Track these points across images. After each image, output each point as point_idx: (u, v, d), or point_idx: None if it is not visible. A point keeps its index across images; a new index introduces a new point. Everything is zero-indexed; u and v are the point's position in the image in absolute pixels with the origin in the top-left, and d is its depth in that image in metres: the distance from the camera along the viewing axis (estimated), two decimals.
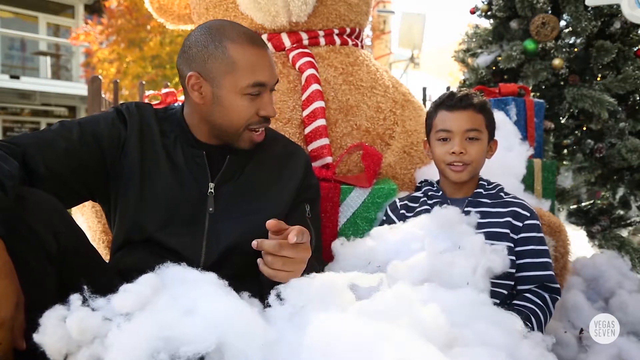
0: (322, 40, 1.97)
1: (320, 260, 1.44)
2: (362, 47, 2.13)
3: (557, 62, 2.89)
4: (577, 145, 3.05)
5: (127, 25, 9.95)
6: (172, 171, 1.31)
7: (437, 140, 1.59)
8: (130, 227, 1.29)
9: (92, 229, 1.73)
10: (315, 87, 1.80)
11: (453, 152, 1.54)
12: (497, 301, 1.36)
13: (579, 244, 2.75)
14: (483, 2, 3.30)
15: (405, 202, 1.66)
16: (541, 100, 2.57)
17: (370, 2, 2.12)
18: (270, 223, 1.10)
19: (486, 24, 3.37)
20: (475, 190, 1.60)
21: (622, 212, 3.04)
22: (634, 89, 2.86)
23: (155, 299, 0.96)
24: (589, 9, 2.90)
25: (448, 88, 4.29)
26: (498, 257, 1.33)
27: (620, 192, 3.09)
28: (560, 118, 3.04)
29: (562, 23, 3.03)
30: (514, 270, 1.48)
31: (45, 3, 12.95)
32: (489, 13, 3.25)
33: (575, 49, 3.01)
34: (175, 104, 1.43)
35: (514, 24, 3.07)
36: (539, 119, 2.48)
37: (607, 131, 2.94)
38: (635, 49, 2.96)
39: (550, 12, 2.98)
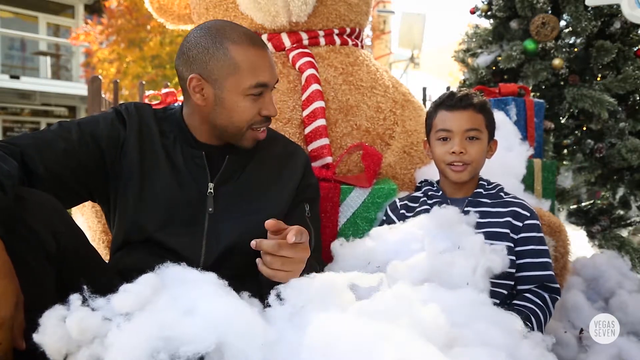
0: (322, 40, 1.97)
1: (320, 260, 1.44)
2: (362, 47, 2.13)
3: (557, 62, 2.89)
4: (577, 145, 3.05)
5: (127, 25, 9.96)
6: (171, 171, 1.31)
7: (437, 140, 1.59)
8: (129, 227, 1.29)
9: (92, 229, 1.73)
10: (315, 87, 1.80)
11: (453, 152, 1.54)
12: (497, 301, 1.36)
13: (579, 244, 2.75)
14: (483, 2, 3.30)
15: (405, 202, 1.66)
16: (541, 100, 2.57)
17: (370, 2, 2.12)
18: (269, 223, 1.10)
19: (486, 24, 3.37)
20: (475, 190, 1.60)
21: (622, 212, 3.03)
22: (634, 89, 2.86)
23: (155, 299, 0.96)
24: (589, 9, 2.90)
25: (448, 88, 4.28)
26: (498, 257, 1.33)
27: (620, 192, 3.09)
28: (560, 118, 3.04)
29: (562, 23, 3.03)
30: (513, 270, 1.48)
31: (45, 3, 12.95)
32: (489, 13, 3.25)
33: (575, 49, 3.00)
34: (175, 104, 1.43)
35: (514, 24, 3.07)
36: (539, 119, 2.48)
37: (607, 131, 2.94)
38: (635, 49, 2.96)
39: (550, 12, 2.97)
